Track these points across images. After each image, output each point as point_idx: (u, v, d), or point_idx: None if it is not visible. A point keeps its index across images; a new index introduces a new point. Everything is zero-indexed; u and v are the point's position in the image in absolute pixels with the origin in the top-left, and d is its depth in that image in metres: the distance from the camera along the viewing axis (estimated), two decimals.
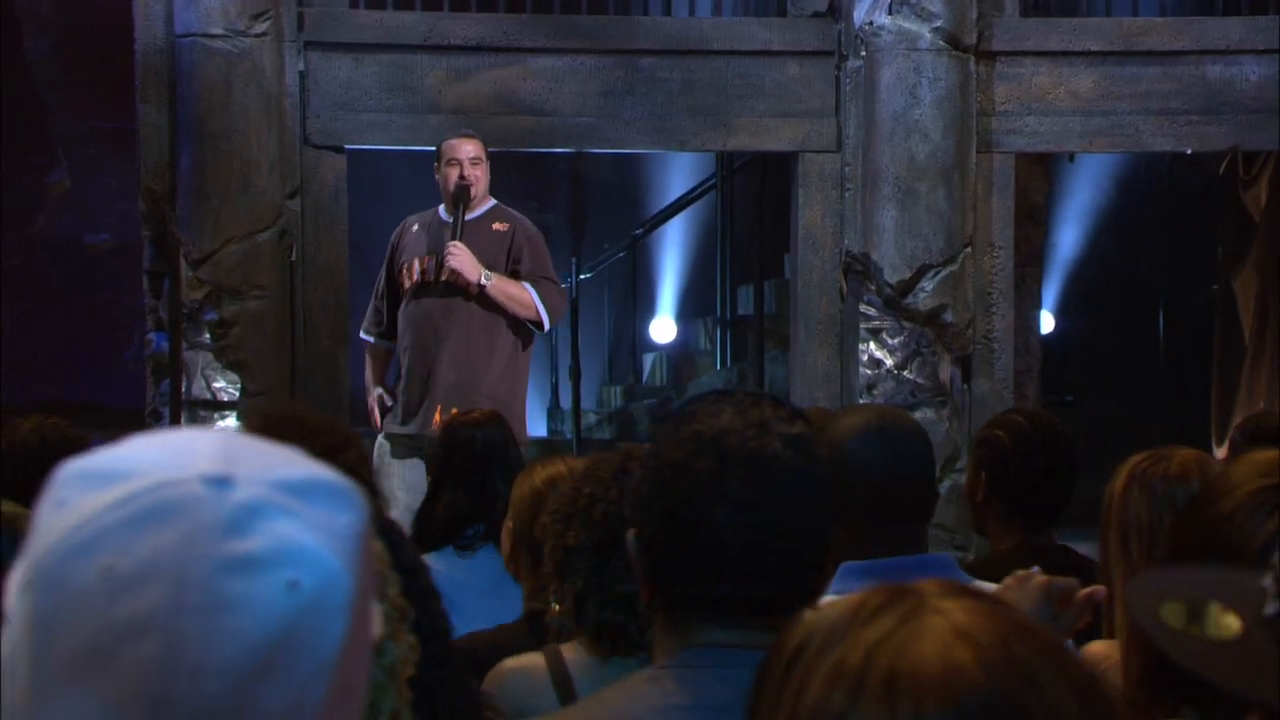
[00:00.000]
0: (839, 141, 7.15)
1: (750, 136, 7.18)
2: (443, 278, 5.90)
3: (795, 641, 0.97)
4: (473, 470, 3.72)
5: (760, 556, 1.70)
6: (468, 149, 6.04)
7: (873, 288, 7.02)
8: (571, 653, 2.29)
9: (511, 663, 2.35)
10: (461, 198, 5.96)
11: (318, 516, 0.91)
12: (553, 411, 11.10)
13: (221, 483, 0.90)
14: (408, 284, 5.99)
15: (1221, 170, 9.94)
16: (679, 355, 10.52)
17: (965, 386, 7.14)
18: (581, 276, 10.04)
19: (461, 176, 5.97)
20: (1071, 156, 10.33)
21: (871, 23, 7.00)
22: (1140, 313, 11.51)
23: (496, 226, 6.07)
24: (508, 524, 3.03)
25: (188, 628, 0.86)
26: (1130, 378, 11.21)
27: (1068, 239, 11.70)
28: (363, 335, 6.25)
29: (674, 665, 1.72)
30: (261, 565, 0.88)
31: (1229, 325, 9.73)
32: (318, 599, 0.89)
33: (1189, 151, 7.67)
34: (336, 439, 2.76)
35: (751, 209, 9.77)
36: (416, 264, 5.99)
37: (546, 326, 6.11)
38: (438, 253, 5.95)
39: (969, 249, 7.08)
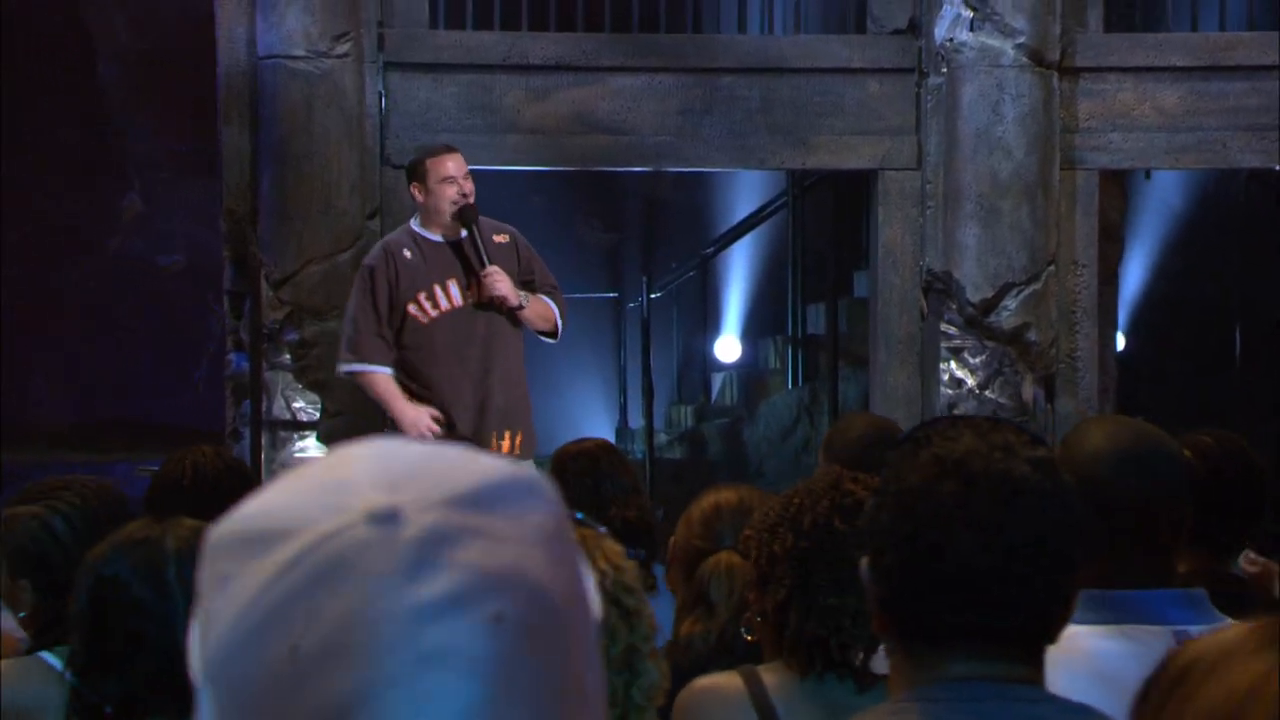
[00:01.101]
0: (919, 159, 7.05)
1: (830, 154, 7.09)
2: (479, 301, 5.56)
3: (1175, 670, 0.87)
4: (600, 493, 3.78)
5: (1006, 584, 1.62)
6: (458, 163, 5.63)
7: (954, 306, 6.91)
8: (769, 674, 2.20)
9: (704, 682, 2.24)
10: (469, 216, 5.56)
11: (503, 526, 0.79)
12: (621, 431, 11.02)
13: (388, 519, 0.78)
14: (431, 313, 5.58)
15: None
16: (748, 374, 10.42)
17: (1049, 406, 7.01)
18: (652, 295, 9.98)
19: (462, 194, 5.57)
20: (1148, 173, 10.20)
21: (953, 39, 6.91)
22: (1214, 332, 11.32)
23: (498, 239, 5.71)
24: (674, 539, 3.01)
25: (391, 701, 0.74)
26: (1203, 398, 11.02)
27: (1140, 256, 11.54)
28: (366, 368, 5.64)
29: (917, 699, 1.63)
30: (456, 607, 0.76)
31: None
32: (527, 623, 0.77)
33: (1277, 168, 7.52)
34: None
35: (823, 227, 9.68)
36: (440, 291, 5.58)
37: (559, 337, 5.93)
38: (459, 277, 5.59)
39: (1052, 267, 6.97)
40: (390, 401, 5.65)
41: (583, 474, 3.85)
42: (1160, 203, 11.39)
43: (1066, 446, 2.29)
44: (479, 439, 5.48)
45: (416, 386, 5.62)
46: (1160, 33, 7.33)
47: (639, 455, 10.12)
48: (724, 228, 10.77)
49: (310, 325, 6.60)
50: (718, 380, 10.85)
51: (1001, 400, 6.89)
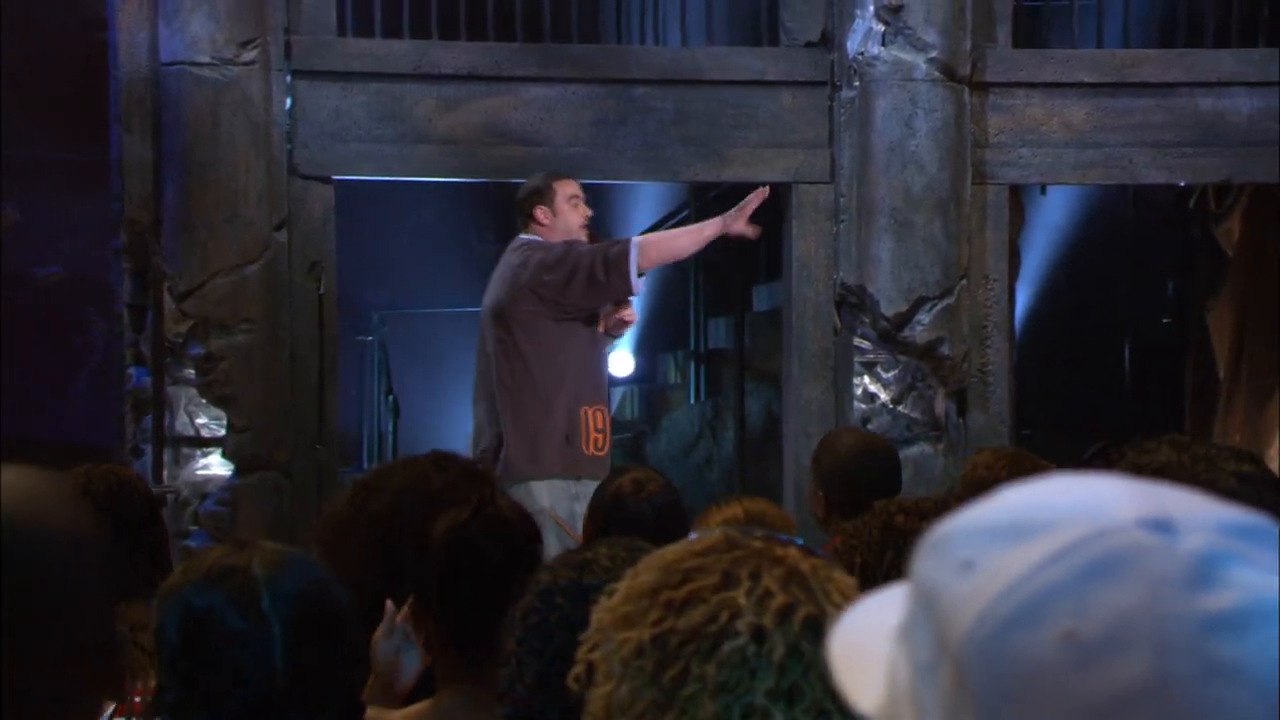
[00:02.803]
0: (833, 172, 7.10)
1: (744, 167, 7.10)
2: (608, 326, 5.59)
3: None
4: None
5: None
6: (577, 186, 5.70)
7: (867, 320, 6.96)
8: None
9: None
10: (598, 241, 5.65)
11: (1265, 558, 0.80)
12: None
13: (1164, 528, 0.80)
14: (597, 329, 5.53)
15: (1192, 204, 10.02)
16: (649, 389, 10.41)
17: (961, 421, 7.09)
18: None
19: (586, 220, 5.62)
20: (1044, 189, 10.36)
21: (865, 53, 6.96)
22: (1105, 348, 11.52)
23: None
24: None
25: (1178, 699, 0.76)
26: (1095, 415, 11.20)
27: (1029, 272, 11.72)
28: (631, 251, 5.52)
29: None
30: (1244, 624, 0.78)
31: (1201, 361, 9.77)
32: None
33: (1183, 184, 7.68)
34: None
35: (725, 240, 9.69)
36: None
37: None
38: None
39: (964, 281, 7.04)
40: (689, 230, 5.67)
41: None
42: (1048, 219, 11.57)
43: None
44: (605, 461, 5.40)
45: (585, 386, 5.43)
46: (1068, 49, 7.45)
47: None
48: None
49: (216, 339, 6.47)
50: (617, 395, 10.82)
51: (914, 415, 6.95)
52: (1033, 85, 7.23)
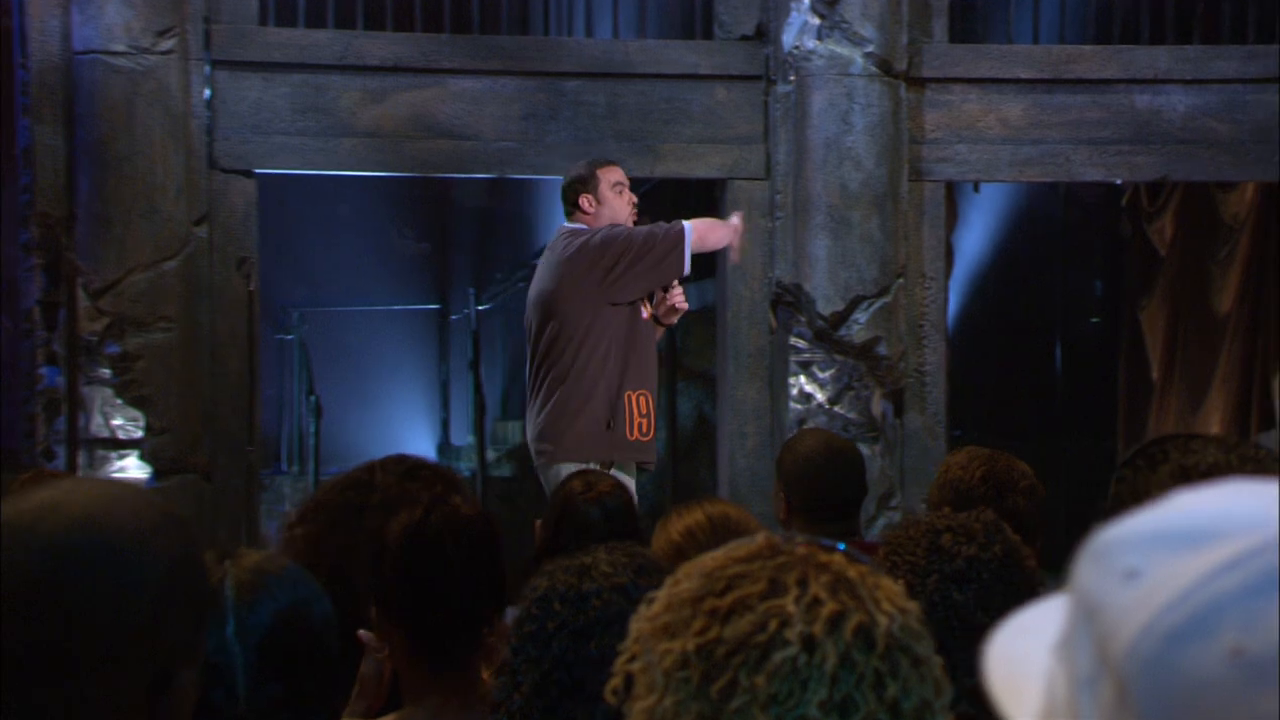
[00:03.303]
0: (768, 168, 7.03)
1: (677, 162, 7.02)
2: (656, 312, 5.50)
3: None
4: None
5: None
6: (622, 173, 5.63)
7: (803, 319, 6.90)
8: None
9: None
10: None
11: None
12: (443, 448, 10.84)
13: None
14: (640, 313, 5.45)
15: (1124, 202, 10.06)
16: None
17: (898, 422, 7.04)
18: (480, 307, 9.83)
19: (633, 209, 5.55)
20: (977, 186, 10.36)
21: (801, 47, 6.90)
22: (1037, 348, 11.55)
23: None
24: None
25: None
26: (1024, 412, 11.23)
27: (959, 271, 11.73)
28: (683, 231, 5.48)
29: None
30: None
31: (1134, 360, 9.81)
32: None
33: (1119, 181, 7.68)
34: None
35: None
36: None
37: None
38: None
39: (901, 280, 7.00)
40: (720, 224, 5.55)
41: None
42: (980, 217, 11.58)
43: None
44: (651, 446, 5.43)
45: (640, 369, 5.40)
46: (1005, 44, 7.43)
47: (467, 474, 9.96)
48: (548, 237, 10.65)
49: (133, 337, 6.30)
50: None
51: (850, 415, 6.90)
52: (969, 81, 7.20)
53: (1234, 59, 7.30)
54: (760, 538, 1.22)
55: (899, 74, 6.99)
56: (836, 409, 6.90)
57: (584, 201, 5.53)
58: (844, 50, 6.87)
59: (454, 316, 10.74)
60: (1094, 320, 11.85)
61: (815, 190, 6.86)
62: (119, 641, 1.20)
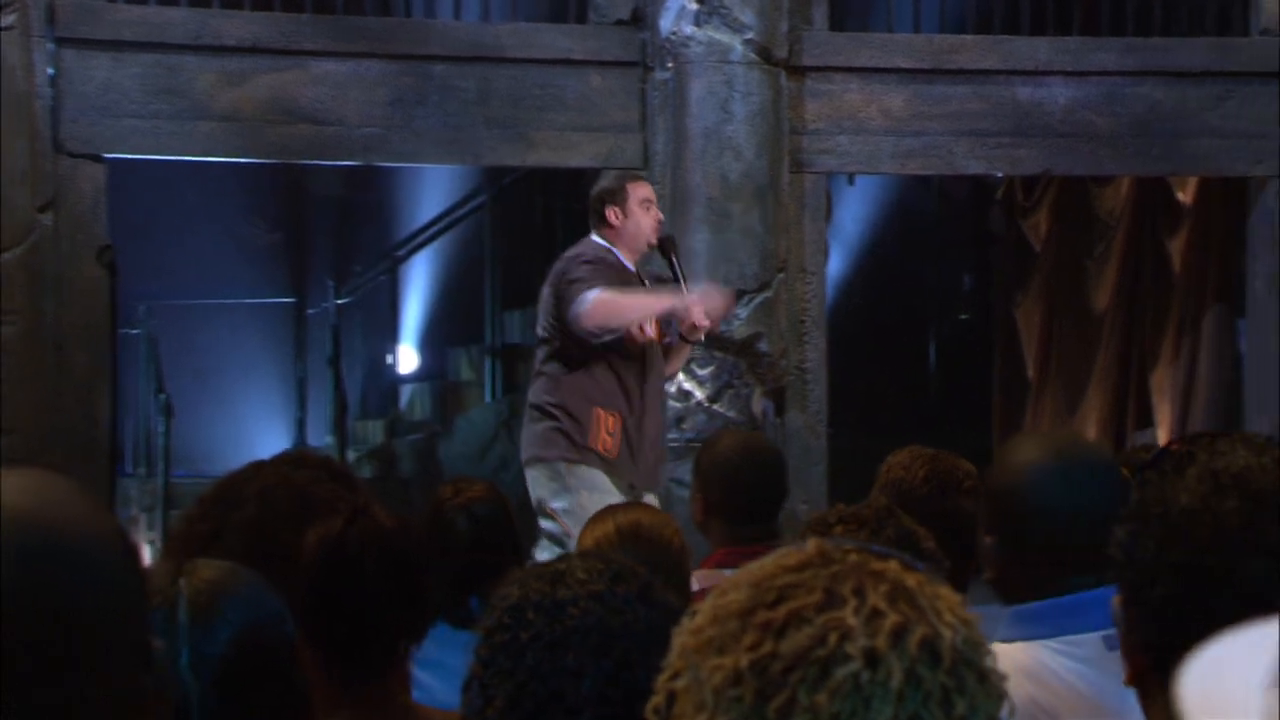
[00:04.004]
0: (646, 158, 6.95)
1: (551, 151, 6.91)
2: (665, 338, 5.53)
3: None
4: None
5: None
6: (650, 190, 5.63)
7: None
8: None
9: None
10: (671, 245, 5.55)
11: None
12: (297, 448, 10.61)
13: None
14: (640, 336, 5.44)
15: (998, 196, 10.15)
16: (441, 387, 10.16)
17: (778, 420, 7.00)
18: (340, 300, 9.64)
19: (658, 225, 5.55)
20: (851, 179, 10.39)
21: (679, 32, 6.83)
22: (908, 343, 11.62)
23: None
24: None
25: None
26: (897, 410, 11.29)
27: (833, 264, 11.77)
28: (596, 294, 5.30)
29: None
30: None
31: (1009, 357, 9.89)
32: None
33: (1000, 175, 7.72)
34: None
35: (524, 228, 9.51)
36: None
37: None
38: None
39: (783, 274, 6.96)
40: (645, 303, 5.42)
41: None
42: (852, 210, 11.63)
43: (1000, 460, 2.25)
44: (656, 467, 5.52)
45: (605, 394, 5.41)
46: (885, 33, 7.42)
47: None
48: (411, 227, 10.49)
49: None
50: (406, 393, 10.55)
51: (731, 414, 6.84)
52: (850, 70, 7.18)
53: (1113, 51, 7.37)
54: (811, 544, 1.16)
55: (779, 62, 6.94)
56: (716, 407, 6.84)
57: (610, 214, 5.53)
58: (723, 37, 6.81)
59: (311, 311, 10.52)
60: (962, 317, 11.96)
61: (695, 181, 6.79)
62: (99, 634, 1.14)
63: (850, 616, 1.10)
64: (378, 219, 10.72)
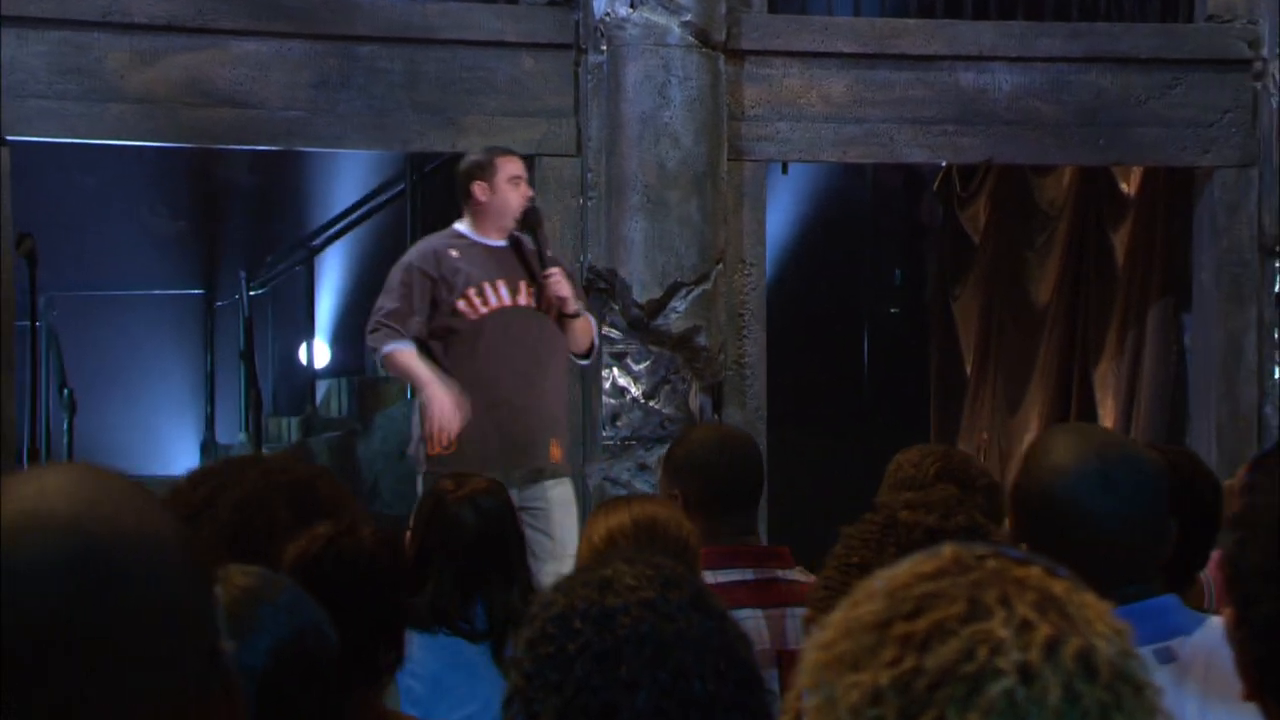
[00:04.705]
0: (579, 144, 6.88)
1: (481, 137, 6.81)
2: (542, 305, 5.80)
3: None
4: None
5: None
6: (520, 166, 5.85)
7: (617, 307, 6.77)
8: None
9: None
10: (534, 220, 5.79)
11: None
12: (208, 446, 10.47)
13: None
14: (481, 309, 5.75)
15: (935, 186, 10.17)
16: (360, 382, 10.04)
17: (716, 416, 6.96)
18: (253, 292, 9.50)
19: (528, 196, 5.81)
20: (785, 168, 10.37)
21: (612, 14, 6.77)
22: (840, 337, 11.62)
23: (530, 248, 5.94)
24: None
25: None
26: (831, 406, 11.29)
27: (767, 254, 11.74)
28: (398, 346, 5.68)
29: None
30: None
31: (947, 351, 9.91)
32: None
33: (943, 163, 7.72)
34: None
35: (447, 217, 9.40)
36: (489, 288, 5.77)
37: (591, 360, 6.15)
38: (508, 279, 5.80)
39: (720, 266, 6.92)
40: (419, 376, 5.67)
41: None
42: (784, 199, 11.61)
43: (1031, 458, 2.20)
44: (530, 442, 5.74)
45: (462, 382, 5.66)
46: (826, 16, 7.40)
47: None
48: (328, 215, 10.36)
49: None
50: (321, 389, 10.42)
51: (667, 411, 6.79)
52: (790, 54, 7.15)
53: (1058, 37, 7.38)
54: (946, 550, 1.11)
55: (717, 44, 6.90)
56: (652, 404, 6.80)
57: (478, 189, 5.79)
58: (659, 19, 6.76)
59: (221, 302, 10.37)
60: (893, 311, 11.98)
61: (630, 169, 6.73)
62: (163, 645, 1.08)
63: (999, 628, 1.05)
64: (292, 207, 10.59)
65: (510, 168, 5.79)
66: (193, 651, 1.09)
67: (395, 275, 5.79)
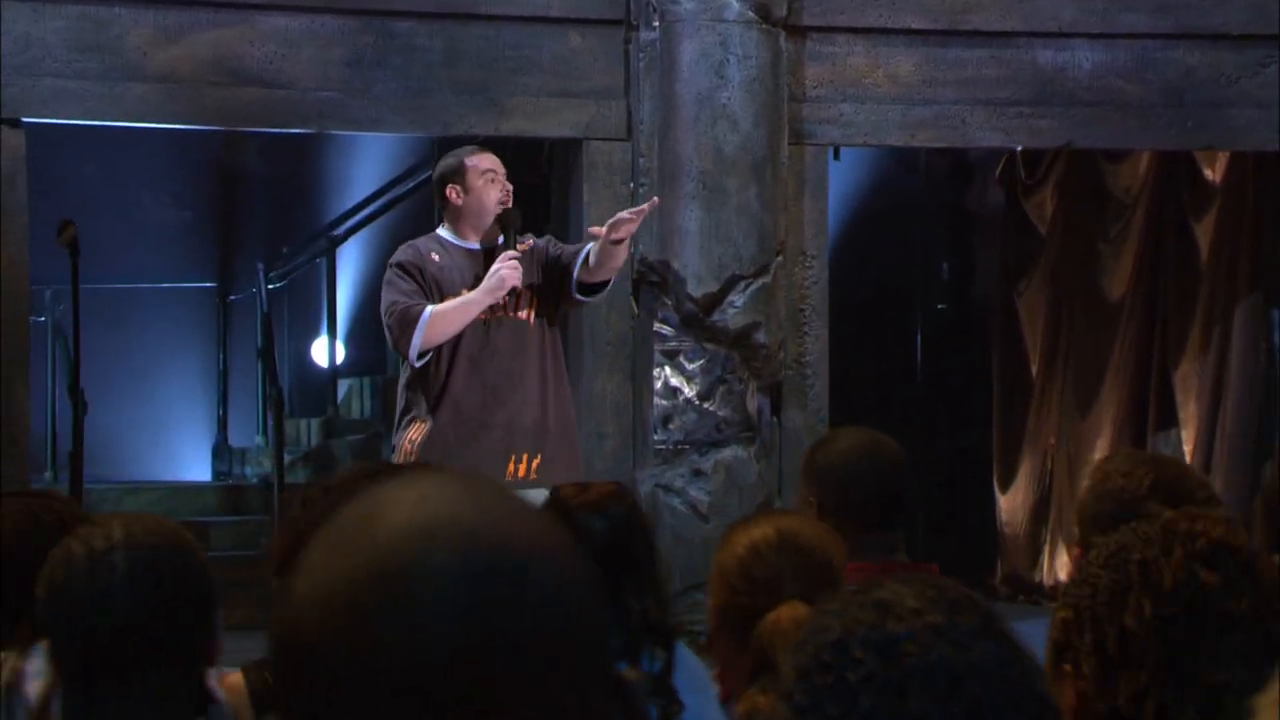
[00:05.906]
0: (630, 128, 6.82)
1: (526, 119, 6.77)
2: (514, 313, 5.83)
3: None
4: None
5: None
6: (496, 160, 5.85)
7: (670, 302, 6.71)
8: None
9: None
10: (512, 222, 5.79)
11: None
12: (220, 449, 10.43)
13: None
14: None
15: (998, 173, 10.07)
16: (384, 382, 9.98)
17: (775, 419, 6.89)
18: (271, 286, 9.46)
19: (506, 192, 5.82)
20: (837, 153, 10.29)
21: None
22: (893, 332, 11.53)
23: (522, 247, 5.89)
24: (712, 602, 2.86)
25: None
26: (884, 405, 11.20)
27: None
28: (431, 306, 5.72)
29: None
30: None
31: (1010, 350, 9.81)
32: None
33: (1018, 148, 7.64)
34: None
35: None
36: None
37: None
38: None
39: (781, 258, 6.85)
40: (472, 298, 5.73)
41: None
42: (835, 188, 11.50)
43: None
44: (497, 456, 5.75)
45: (434, 391, 5.76)
46: None
47: (253, 480, 9.58)
48: (350, 204, 10.30)
49: None
50: (343, 388, 10.37)
51: (723, 413, 6.72)
52: (855, 31, 7.08)
53: (1143, 11, 7.29)
54: None
55: (777, 20, 6.83)
56: (707, 406, 6.73)
57: (451, 193, 5.84)
58: None
59: (234, 297, 10.32)
60: (940, 307, 11.89)
61: (686, 153, 6.66)
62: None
63: None
64: (314, 194, 10.53)
65: (482, 164, 5.84)
66: (598, 677, 1.06)
67: (390, 274, 5.89)
